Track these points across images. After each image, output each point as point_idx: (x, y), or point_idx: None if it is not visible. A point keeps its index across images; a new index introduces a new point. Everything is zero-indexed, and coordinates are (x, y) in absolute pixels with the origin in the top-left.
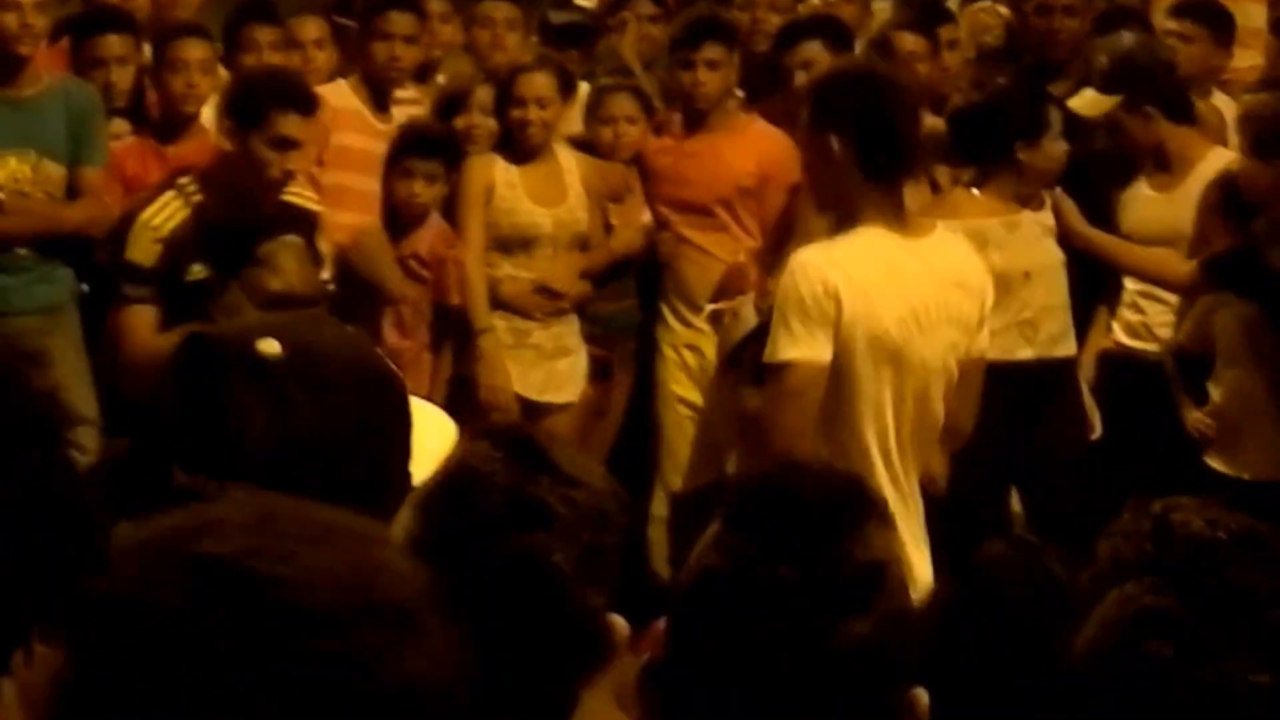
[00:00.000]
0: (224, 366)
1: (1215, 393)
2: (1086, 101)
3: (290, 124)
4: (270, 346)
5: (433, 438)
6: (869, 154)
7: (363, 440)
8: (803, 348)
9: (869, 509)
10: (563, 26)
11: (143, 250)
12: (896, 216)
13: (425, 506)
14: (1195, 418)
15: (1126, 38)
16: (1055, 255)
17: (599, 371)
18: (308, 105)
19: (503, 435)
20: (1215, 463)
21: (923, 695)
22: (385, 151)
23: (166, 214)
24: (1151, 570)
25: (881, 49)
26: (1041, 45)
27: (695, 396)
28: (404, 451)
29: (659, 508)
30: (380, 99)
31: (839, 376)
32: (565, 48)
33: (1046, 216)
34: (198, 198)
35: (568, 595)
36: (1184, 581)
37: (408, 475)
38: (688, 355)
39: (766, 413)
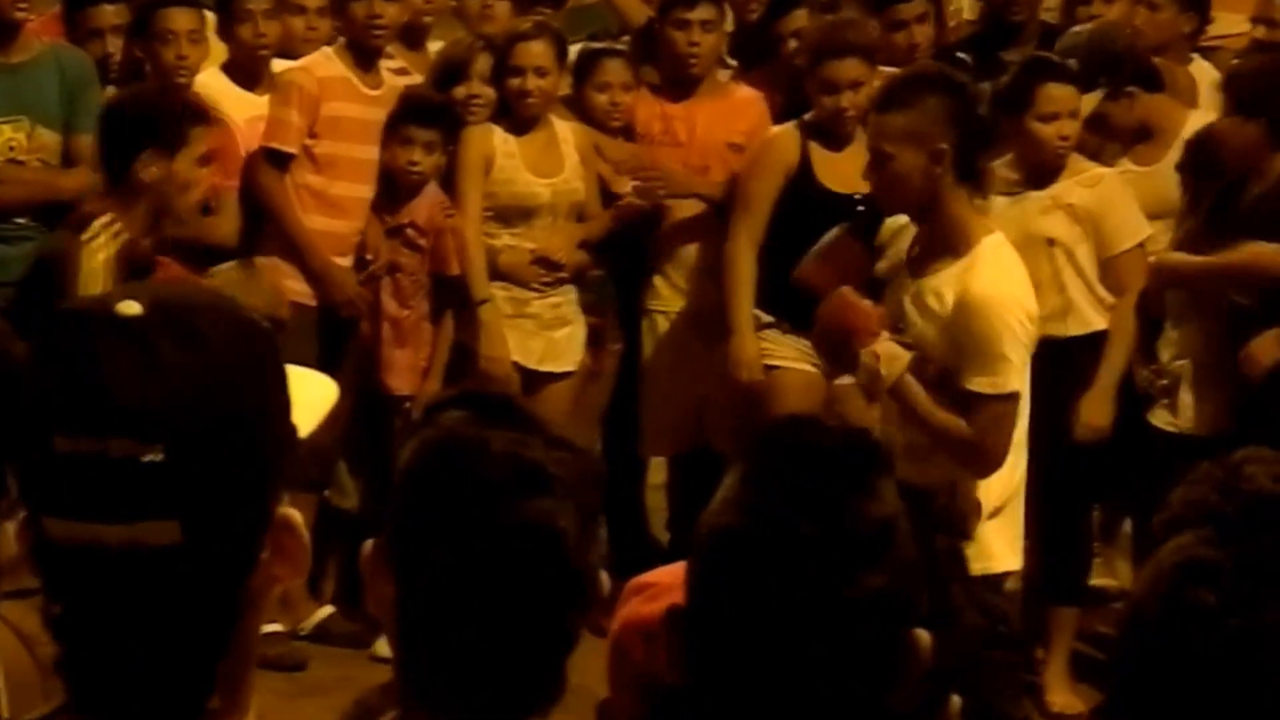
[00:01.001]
0: (88, 332)
1: (1164, 352)
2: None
3: (176, 161)
4: (130, 306)
5: (312, 390)
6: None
7: (238, 388)
8: (1022, 374)
9: (878, 461)
10: None
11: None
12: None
13: (415, 481)
14: (1144, 375)
15: (1081, 32)
16: (1043, 231)
17: (592, 338)
18: (174, 138)
19: (482, 401)
20: (1157, 420)
21: (924, 635)
22: (378, 118)
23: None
24: (1210, 520)
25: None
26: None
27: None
28: (283, 401)
29: (654, 474)
30: (367, 64)
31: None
32: (536, 4)
33: (1069, 191)
34: (122, 235)
35: (573, 556)
36: (1237, 533)
37: (291, 425)
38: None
39: (987, 439)
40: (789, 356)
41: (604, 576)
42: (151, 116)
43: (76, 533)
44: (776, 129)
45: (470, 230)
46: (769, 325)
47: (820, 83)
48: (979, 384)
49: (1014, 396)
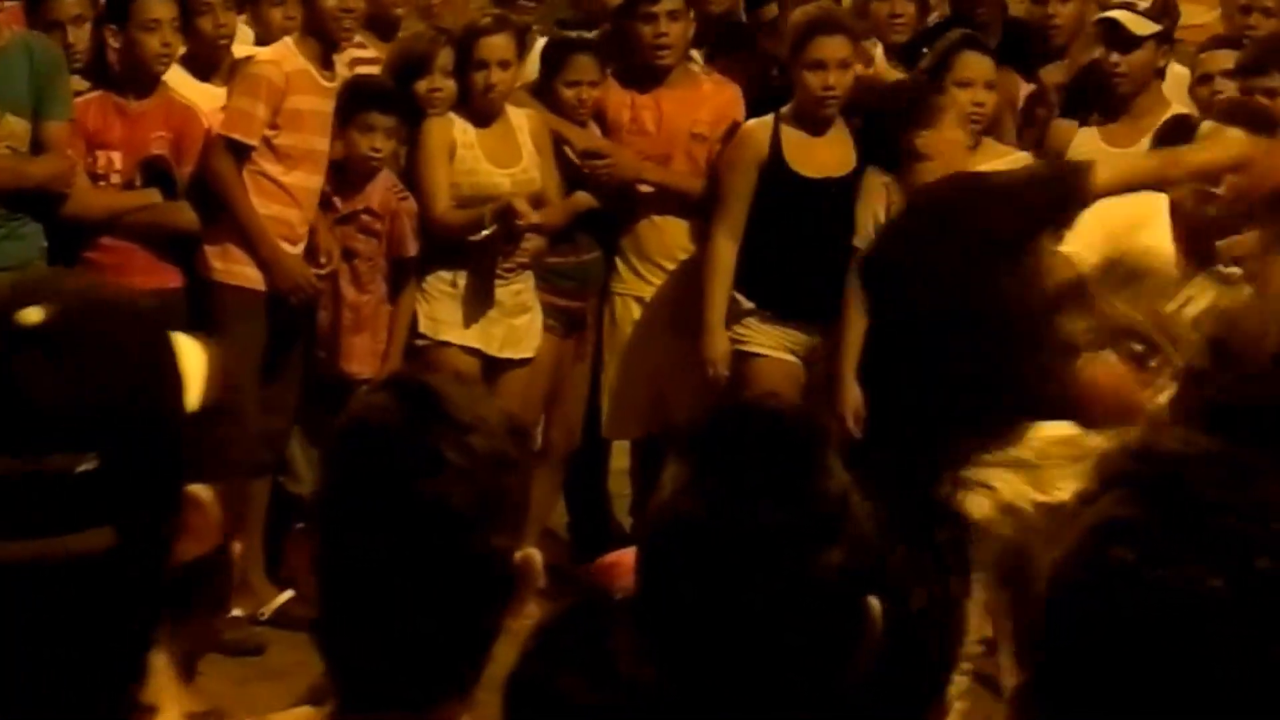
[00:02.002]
0: None
1: None
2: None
3: None
4: (30, 314)
5: (187, 360)
6: None
7: (151, 382)
8: None
9: (824, 438)
10: None
11: None
12: None
13: (327, 466)
14: None
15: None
16: None
17: (573, 323)
18: None
19: (399, 385)
20: None
21: (875, 602)
22: (331, 110)
23: None
24: (1125, 482)
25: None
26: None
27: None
28: (180, 384)
29: (618, 459)
30: (326, 56)
31: None
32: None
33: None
34: None
35: (469, 539)
36: (1153, 491)
37: (183, 406)
38: (634, 307)
39: None
40: (768, 345)
41: (534, 559)
42: None
43: (13, 552)
44: (750, 123)
45: (445, 211)
46: (750, 312)
47: (808, 62)
48: None
49: None
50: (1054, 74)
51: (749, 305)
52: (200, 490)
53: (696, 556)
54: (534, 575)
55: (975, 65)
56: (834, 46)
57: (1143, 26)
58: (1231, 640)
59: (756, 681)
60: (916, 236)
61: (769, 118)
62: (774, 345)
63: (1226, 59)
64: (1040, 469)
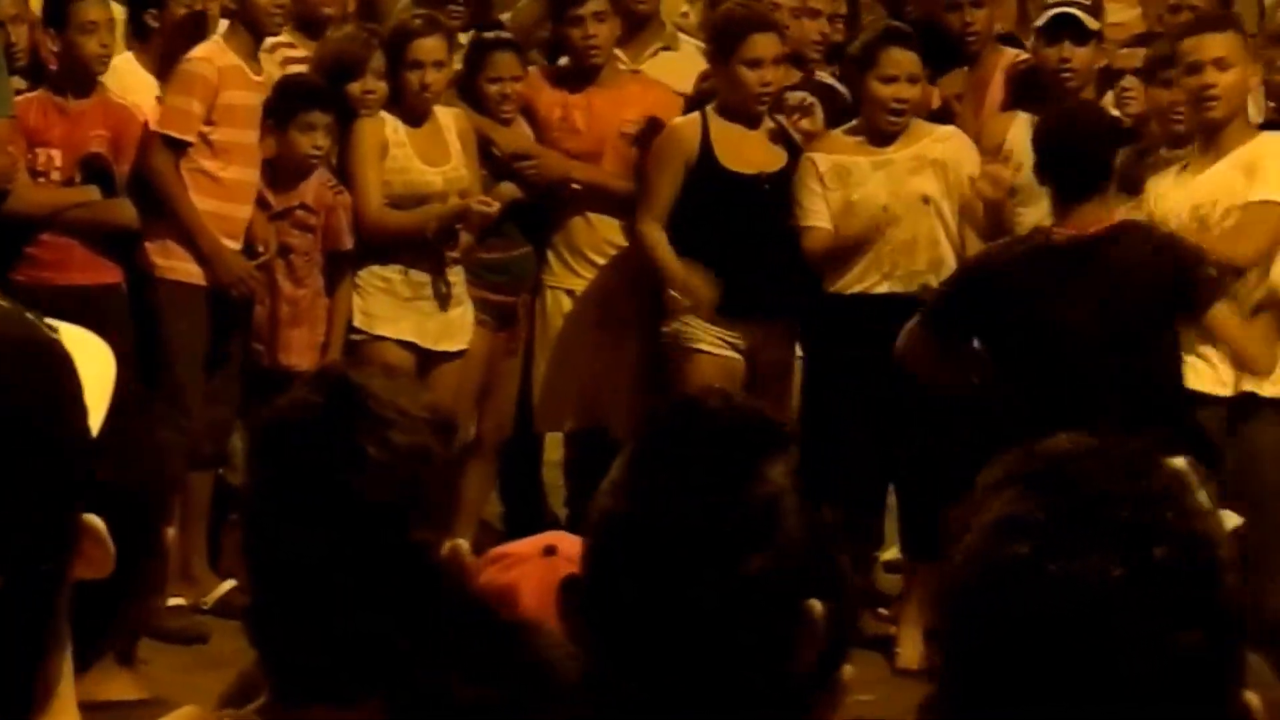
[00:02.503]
0: None
1: None
2: None
3: None
4: None
5: (91, 366)
6: None
7: (45, 402)
8: None
9: (768, 442)
10: None
11: None
12: None
13: (251, 454)
14: None
15: None
16: (918, 189)
17: (505, 317)
18: None
19: (323, 380)
20: None
21: (816, 604)
22: (261, 104)
23: None
24: (1019, 480)
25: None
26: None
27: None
28: (82, 408)
29: (551, 451)
30: (254, 51)
31: None
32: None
33: (929, 148)
34: None
35: (391, 532)
36: (1046, 487)
37: (88, 430)
38: (564, 300)
39: None
40: (708, 341)
41: (461, 550)
42: None
43: None
44: (678, 120)
45: (378, 209)
46: (689, 309)
47: (745, 59)
48: None
49: None
50: (955, 82)
51: (687, 303)
52: (93, 521)
53: (628, 550)
54: (462, 566)
55: (900, 60)
56: (769, 44)
57: (1092, 23)
58: (1134, 629)
59: (692, 678)
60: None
61: (696, 115)
62: (713, 342)
63: (1136, 59)
64: None
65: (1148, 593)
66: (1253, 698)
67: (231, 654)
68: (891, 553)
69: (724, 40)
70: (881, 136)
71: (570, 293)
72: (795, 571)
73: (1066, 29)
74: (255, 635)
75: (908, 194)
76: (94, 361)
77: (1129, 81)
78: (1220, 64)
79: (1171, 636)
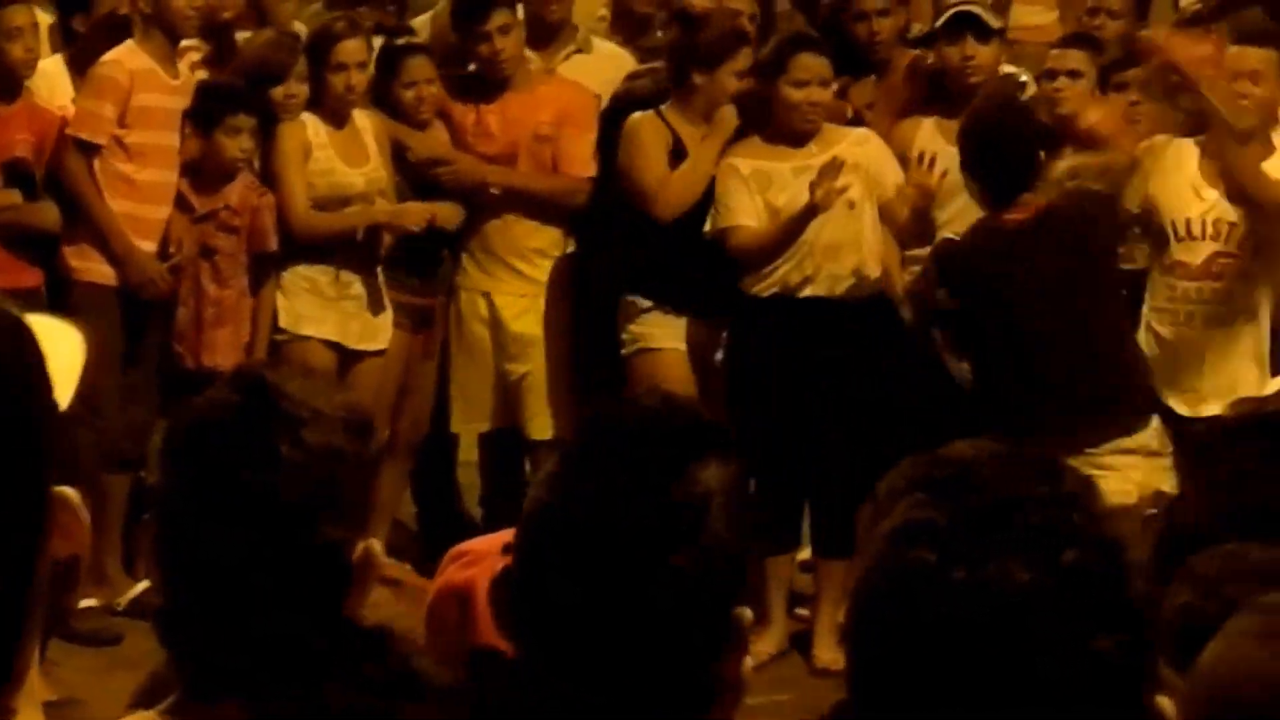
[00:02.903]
0: None
1: None
2: None
3: None
4: None
5: (62, 353)
6: None
7: (17, 392)
8: None
9: (703, 443)
10: None
11: None
12: None
13: (164, 453)
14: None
15: None
16: (845, 196)
17: (421, 319)
18: None
19: (237, 380)
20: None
21: (747, 612)
22: (179, 107)
23: None
24: (922, 487)
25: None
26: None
27: (485, 339)
28: (48, 387)
29: (466, 451)
30: (168, 54)
31: None
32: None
33: (847, 152)
34: None
35: (303, 531)
36: (948, 493)
37: (55, 406)
38: (480, 302)
39: None
40: (669, 339)
41: (373, 549)
42: None
43: None
44: (637, 116)
45: (304, 211)
46: (647, 310)
47: (734, 70)
48: None
49: None
50: (865, 93)
51: (646, 304)
52: (68, 493)
53: (557, 547)
54: (374, 567)
55: (811, 65)
56: (748, 57)
57: (994, 20)
58: (1044, 635)
59: (618, 673)
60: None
61: (652, 113)
62: (671, 337)
63: (1076, 59)
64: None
65: (1058, 597)
66: (1165, 701)
67: (145, 655)
68: (806, 553)
69: (714, 49)
70: (796, 138)
71: (486, 295)
72: (721, 571)
73: (969, 27)
74: (166, 634)
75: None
76: (64, 342)
77: (1060, 82)
78: (1254, 77)
79: (1083, 641)
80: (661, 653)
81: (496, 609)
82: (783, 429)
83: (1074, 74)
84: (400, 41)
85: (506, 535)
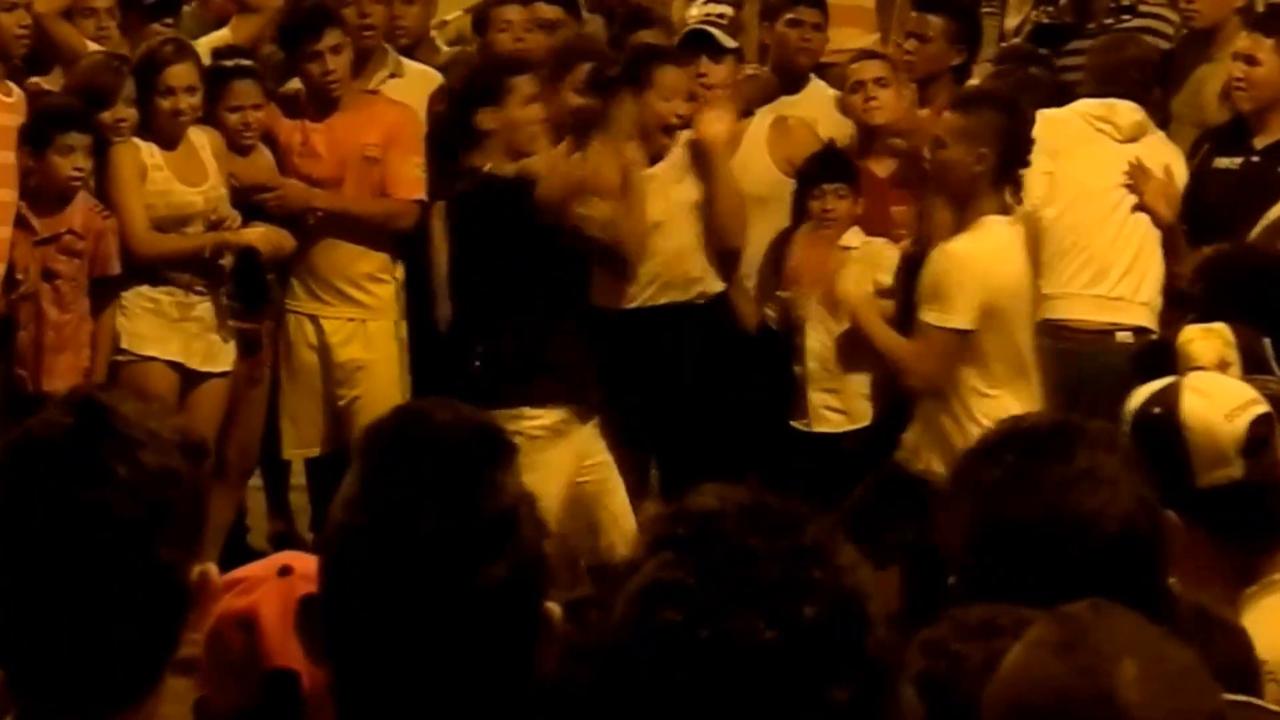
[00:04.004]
0: None
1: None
2: None
3: None
4: None
5: None
6: None
7: None
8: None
9: (498, 452)
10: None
11: None
12: None
13: None
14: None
15: None
16: (685, 197)
17: (249, 344)
18: None
19: (71, 401)
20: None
21: (555, 608)
22: (14, 124)
23: None
24: (668, 545)
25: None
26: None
27: (313, 364)
28: None
29: (297, 475)
30: (3, 74)
31: None
32: (155, 18)
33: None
34: None
35: (137, 551)
36: (693, 551)
37: None
38: (308, 326)
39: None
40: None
41: (211, 573)
42: None
43: None
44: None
45: (145, 233)
46: None
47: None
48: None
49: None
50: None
51: None
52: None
53: (363, 565)
54: (211, 589)
55: (673, 77)
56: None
57: (728, 40)
58: (785, 689)
59: (434, 688)
60: None
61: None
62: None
63: (878, 68)
64: None
65: (799, 652)
66: None
67: None
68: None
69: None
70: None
71: (314, 319)
72: (532, 578)
73: (704, 46)
74: (1, 651)
75: (675, 204)
76: None
77: (872, 90)
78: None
79: (820, 694)
80: (479, 658)
81: (305, 634)
82: (644, 440)
83: (880, 81)
84: (228, 64)
85: (281, 558)
